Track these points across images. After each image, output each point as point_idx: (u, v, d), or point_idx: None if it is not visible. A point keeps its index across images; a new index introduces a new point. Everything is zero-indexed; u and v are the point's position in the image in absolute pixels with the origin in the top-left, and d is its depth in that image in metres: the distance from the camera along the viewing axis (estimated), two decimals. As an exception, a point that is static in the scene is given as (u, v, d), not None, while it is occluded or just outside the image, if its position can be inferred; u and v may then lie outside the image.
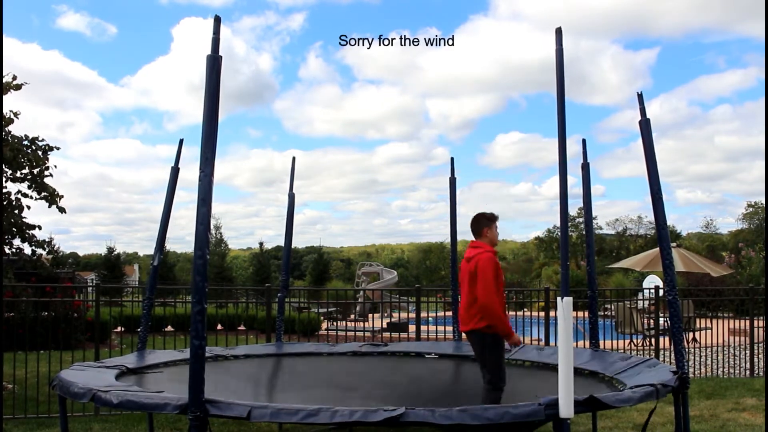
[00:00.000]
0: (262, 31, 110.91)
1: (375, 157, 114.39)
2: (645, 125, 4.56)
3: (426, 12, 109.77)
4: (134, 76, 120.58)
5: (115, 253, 30.80)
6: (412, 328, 10.79)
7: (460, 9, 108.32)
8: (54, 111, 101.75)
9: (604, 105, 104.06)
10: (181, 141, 5.93)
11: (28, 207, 8.07)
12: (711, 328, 11.62)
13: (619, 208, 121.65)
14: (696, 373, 9.84)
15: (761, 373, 9.53)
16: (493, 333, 4.74)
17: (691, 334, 12.64)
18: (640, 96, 4.58)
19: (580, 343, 9.81)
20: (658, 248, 4.92)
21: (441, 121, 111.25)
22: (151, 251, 6.01)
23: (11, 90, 8.09)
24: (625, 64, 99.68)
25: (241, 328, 14.71)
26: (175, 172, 5.84)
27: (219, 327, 13.97)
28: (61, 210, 8.24)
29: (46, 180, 8.19)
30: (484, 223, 5.03)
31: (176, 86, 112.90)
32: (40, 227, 8.14)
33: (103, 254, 32.17)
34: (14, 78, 8.12)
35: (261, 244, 35.33)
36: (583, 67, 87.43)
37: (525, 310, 14.98)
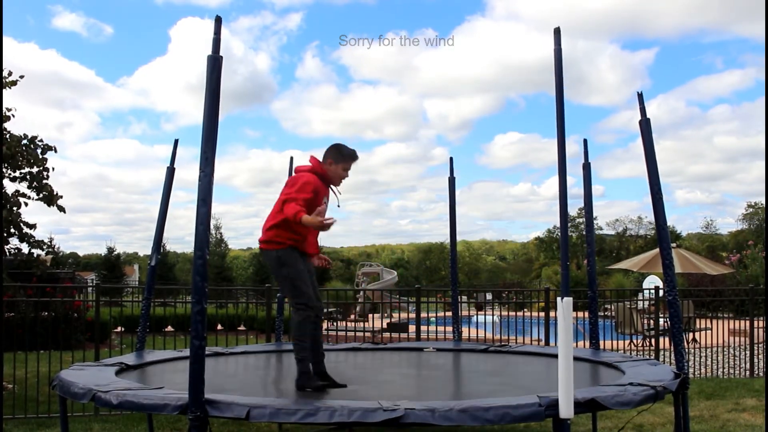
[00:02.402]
0: (260, 31, 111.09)
1: (373, 157, 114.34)
2: (645, 125, 4.55)
3: (422, 13, 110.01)
4: (131, 77, 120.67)
5: (115, 253, 30.83)
6: (412, 328, 10.79)
7: (456, 10, 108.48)
8: (53, 111, 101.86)
9: (602, 105, 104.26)
10: (176, 141, 5.93)
11: (26, 204, 8.07)
12: (711, 329, 11.62)
13: (618, 208, 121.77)
14: (696, 373, 9.84)
15: (761, 374, 9.53)
16: (281, 248, 4.36)
17: (691, 335, 12.64)
18: (640, 96, 4.57)
19: (580, 343, 9.81)
20: (657, 249, 4.93)
21: (439, 122, 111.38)
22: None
23: (7, 87, 8.09)
24: (623, 65, 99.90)
25: (241, 328, 14.72)
26: (170, 172, 5.84)
27: (219, 327, 13.97)
28: (61, 209, 8.25)
29: (45, 180, 8.19)
30: (332, 154, 4.49)
31: (174, 87, 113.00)
32: (35, 226, 8.14)
33: (103, 254, 32.21)
34: (9, 74, 8.11)
35: (261, 244, 35.22)
36: (581, 67, 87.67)
37: (525, 310, 14.98)
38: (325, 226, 4.17)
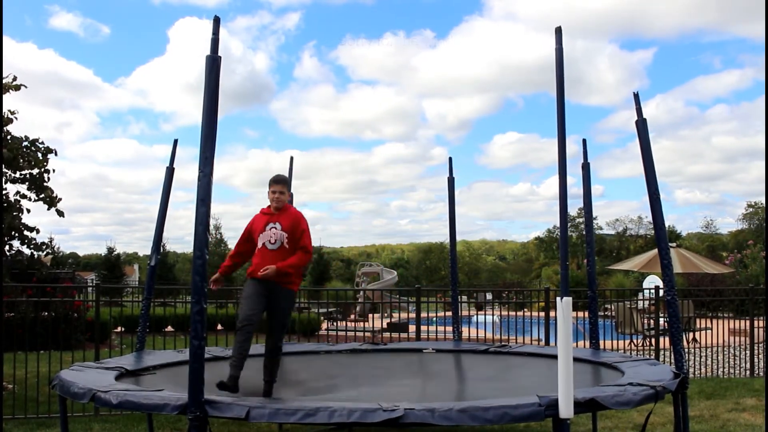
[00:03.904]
0: (258, 31, 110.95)
1: (372, 157, 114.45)
2: (642, 125, 4.56)
3: (420, 13, 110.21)
4: (129, 77, 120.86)
5: (115, 253, 30.80)
6: (412, 328, 10.79)
7: (454, 10, 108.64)
8: (51, 111, 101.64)
9: (601, 105, 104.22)
10: (176, 141, 5.94)
11: (29, 210, 8.09)
12: (711, 328, 11.62)
13: (618, 208, 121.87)
14: (696, 373, 9.83)
15: (761, 373, 9.52)
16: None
17: (691, 335, 12.64)
18: (636, 96, 4.58)
19: (581, 343, 9.81)
20: (656, 249, 4.93)
21: (438, 122, 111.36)
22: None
23: (11, 90, 8.10)
24: (621, 65, 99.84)
25: (241, 328, 14.70)
26: (170, 172, 5.84)
27: (219, 327, 13.97)
28: (60, 213, 8.24)
29: (45, 182, 8.19)
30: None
31: (172, 87, 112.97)
32: (38, 230, 8.15)
33: (103, 254, 32.21)
34: (14, 79, 8.14)
35: (261, 244, 35.23)
36: (580, 67, 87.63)
37: (525, 310, 14.98)
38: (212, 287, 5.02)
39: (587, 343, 6.31)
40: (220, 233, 33.82)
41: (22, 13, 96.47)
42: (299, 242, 5.06)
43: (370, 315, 16.81)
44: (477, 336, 11.62)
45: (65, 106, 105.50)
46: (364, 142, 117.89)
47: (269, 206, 5.15)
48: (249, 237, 5.13)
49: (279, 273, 4.90)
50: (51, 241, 9.03)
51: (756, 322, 9.82)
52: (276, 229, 5.02)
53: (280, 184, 5.10)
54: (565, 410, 3.18)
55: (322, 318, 15.47)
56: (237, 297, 15.91)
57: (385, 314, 17.94)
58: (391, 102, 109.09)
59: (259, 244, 5.03)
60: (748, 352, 9.80)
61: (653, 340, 10.98)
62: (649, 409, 4.58)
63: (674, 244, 17.16)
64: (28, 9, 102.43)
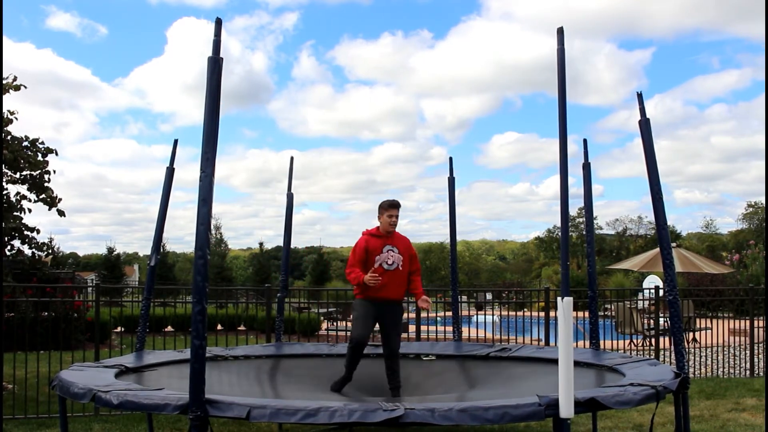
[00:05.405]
0: (255, 31, 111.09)
1: (371, 157, 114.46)
2: (645, 125, 4.55)
3: (417, 13, 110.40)
4: (127, 77, 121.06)
5: (115, 253, 30.81)
6: (412, 328, 10.79)
7: (451, 10, 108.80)
8: (50, 111, 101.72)
9: (599, 105, 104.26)
10: (176, 142, 5.93)
11: (30, 210, 8.09)
12: (711, 328, 11.61)
13: (617, 208, 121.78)
14: (696, 373, 9.84)
15: (761, 373, 9.53)
16: (356, 298, 5.52)
17: (691, 334, 12.64)
18: (639, 96, 4.57)
19: (581, 343, 9.81)
20: (657, 248, 4.93)
21: (436, 122, 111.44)
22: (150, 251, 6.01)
23: (10, 90, 8.10)
24: (619, 65, 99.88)
25: (241, 328, 14.72)
26: (170, 172, 5.84)
27: (219, 327, 13.98)
28: (61, 213, 8.25)
29: (46, 182, 8.19)
30: (378, 211, 5.55)
31: (171, 87, 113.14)
32: (38, 230, 8.16)
33: (102, 254, 32.22)
34: (14, 79, 8.15)
35: (261, 244, 35.44)
36: (578, 66, 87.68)
37: (525, 310, 14.99)
38: (370, 282, 5.29)
39: (587, 343, 6.30)
40: (220, 233, 33.89)
41: (18, 13, 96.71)
42: (413, 266, 5.61)
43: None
44: (477, 336, 11.62)
45: (63, 106, 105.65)
46: (363, 142, 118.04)
47: (376, 228, 5.53)
48: (365, 258, 5.41)
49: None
50: (51, 241, 9.02)
51: (756, 322, 9.82)
52: (393, 252, 5.47)
53: (398, 209, 5.52)
54: (566, 410, 3.18)
55: (322, 318, 15.46)
56: (236, 297, 16.00)
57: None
58: (389, 102, 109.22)
59: (376, 265, 5.39)
60: (748, 352, 9.80)
61: (653, 340, 10.98)
62: (652, 410, 4.59)
63: (674, 244, 17.14)
64: (25, 9, 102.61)
